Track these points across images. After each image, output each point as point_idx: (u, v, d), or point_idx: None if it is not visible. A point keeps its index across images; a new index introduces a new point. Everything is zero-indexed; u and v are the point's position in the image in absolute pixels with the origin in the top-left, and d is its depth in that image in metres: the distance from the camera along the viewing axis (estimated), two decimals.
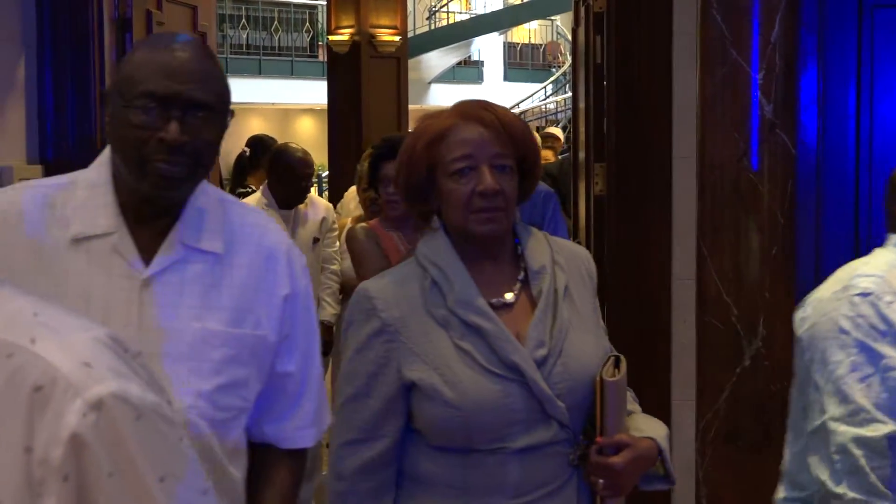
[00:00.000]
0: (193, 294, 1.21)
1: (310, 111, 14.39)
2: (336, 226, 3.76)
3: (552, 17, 14.53)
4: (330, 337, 3.62)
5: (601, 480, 1.28)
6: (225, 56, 12.57)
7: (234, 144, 5.11)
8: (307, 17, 14.27)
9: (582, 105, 3.76)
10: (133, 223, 1.19)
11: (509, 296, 1.33)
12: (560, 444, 1.27)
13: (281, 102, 14.23)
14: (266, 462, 1.33)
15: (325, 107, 6.83)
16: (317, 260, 3.64)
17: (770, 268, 2.58)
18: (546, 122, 11.60)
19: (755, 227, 2.58)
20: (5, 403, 0.65)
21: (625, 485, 1.29)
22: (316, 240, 3.64)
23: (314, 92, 11.73)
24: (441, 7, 15.32)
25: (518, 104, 13.11)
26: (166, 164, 1.13)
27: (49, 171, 2.90)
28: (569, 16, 4.80)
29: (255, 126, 12.25)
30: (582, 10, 3.55)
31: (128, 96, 1.14)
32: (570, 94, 6.01)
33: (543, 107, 13.34)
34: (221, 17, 12.54)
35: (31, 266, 1.16)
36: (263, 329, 1.24)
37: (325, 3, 7.84)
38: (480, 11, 15.14)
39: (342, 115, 6.31)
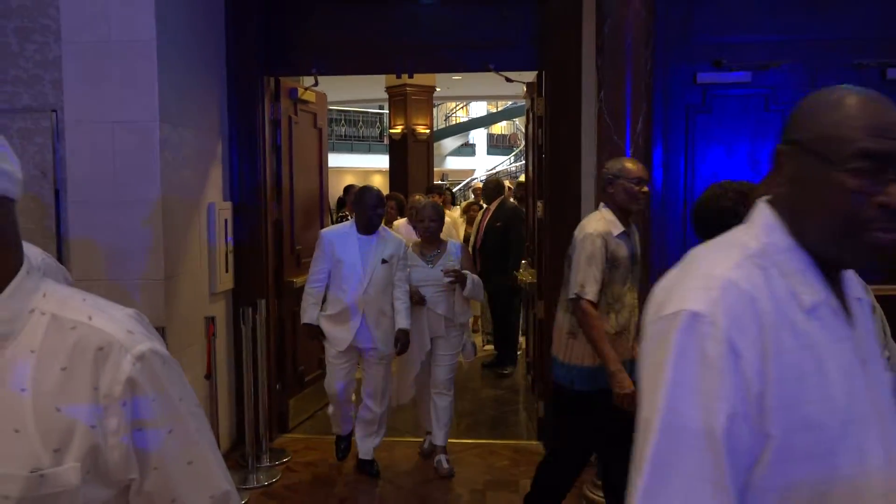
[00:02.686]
0: None
1: (379, 171, 21.62)
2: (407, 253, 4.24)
3: (514, 119, 22.69)
4: (407, 339, 4.11)
5: None
6: (332, 141, 19.63)
7: (336, 190, 7.23)
8: (378, 118, 22.40)
9: (531, 168, 5.33)
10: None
11: None
12: None
13: (362, 167, 22.27)
14: None
15: (388, 169, 10.26)
16: (384, 277, 4.08)
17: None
18: (510, 178, 17.89)
19: None
20: (77, 359, 0.91)
21: None
22: (384, 261, 4.06)
23: (381, 161, 17.94)
24: (452, 113, 24.65)
25: (495, 167, 22.73)
26: (885, 232, 0.94)
27: (234, 208, 4.57)
28: (524, 118, 6.75)
29: (349, 179, 19.41)
30: (531, 114, 5.15)
31: (836, 157, 0.95)
32: (523, 162, 7.84)
33: (509, 169, 22.28)
34: (330, 119, 18.73)
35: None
36: None
37: (387, 111, 10.96)
38: (474, 116, 23.92)
39: (397, 174, 9.46)
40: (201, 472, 1.00)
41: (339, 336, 4.13)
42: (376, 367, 4.22)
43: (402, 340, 4.13)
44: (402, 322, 4.11)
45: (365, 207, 4.12)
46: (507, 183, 8.12)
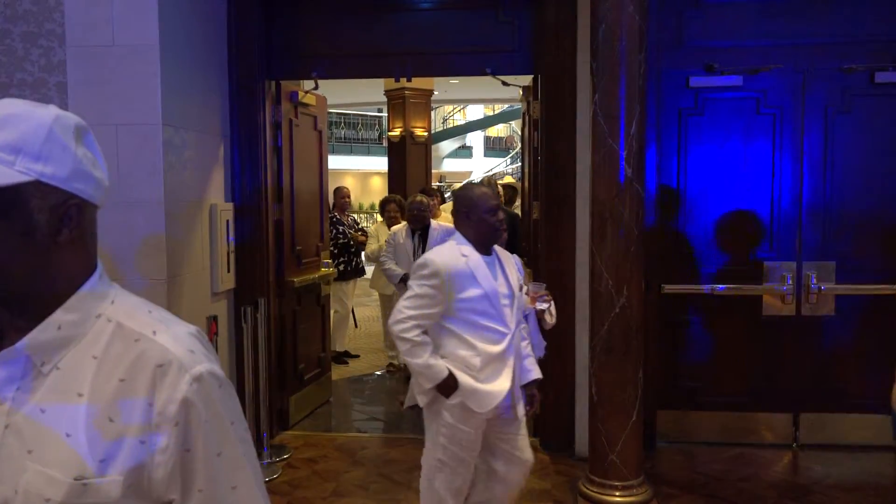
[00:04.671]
0: None
1: (378, 173, 22.62)
2: None
3: (511, 122, 22.93)
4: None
5: None
6: (332, 143, 20.64)
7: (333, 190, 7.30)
8: (377, 121, 23.11)
9: (527, 170, 5.34)
10: None
11: None
12: None
13: (362, 169, 23.29)
14: None
15: (387, 171, 10.39)
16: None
17: (628, 258, 3.55)
18: (491, 178, 18.37)
19: (621, 236, 3.54)
20: (136, 373, 0.91)
21: None
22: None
23: (380, 163, 18.75)
24: (450, 116, 25.01)
25: (491, 170, 22.29)
26: None
27: (236, 209, 4.62)
28: (520, 121, 6.65)
29: (348, 181, 20.99)
30: (527, 117, 5.19)
31: None
32: (520, 163, 7.62)
33: (505, 171, 21.78)
34: (330, 122, 19.89)
35: None
36: None
37: (386, 114, 10.98)
38: (471, 119, 24.31)
39: (396, 176, 9.50)
40: (244, 497, 0.97)
41: (488, 396, 2.85)
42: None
43: (537, 399, 3.15)
44: (536, 370, 3.08)
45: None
46: (509, 180, 8.19)
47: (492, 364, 2.83)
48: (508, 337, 2.84)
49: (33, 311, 0.93)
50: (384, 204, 6.91)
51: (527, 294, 3.17)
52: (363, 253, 6.59)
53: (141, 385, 0.91)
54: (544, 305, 3.21)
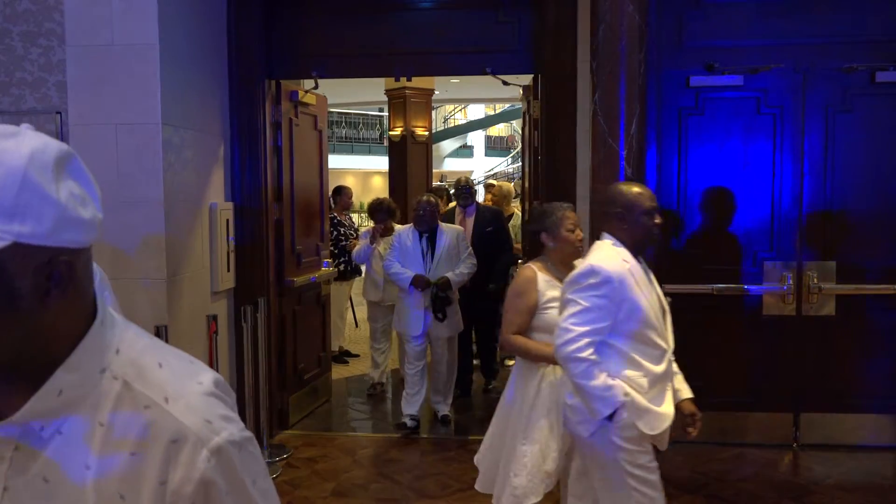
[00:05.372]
0: None
1: (379, 173, 22.54)
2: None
3: (511, 121, 22.74)
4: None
5: None
6: (333, 143, 20.51)
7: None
8: (378, 120, 23.02)
9: (527, 169, 5.38)
10: None
11: None
12: None
13: (363, 168, 23.30)
14: None
15: (388, 171, 10.34)
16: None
17: None
18: (507, 179, 18.76)
19: None
20: (147, 447, 0.81)
21: None
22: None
23: (381, 163, 18.29)
24: (451, 116, 24.85)
25: (492, 169, 23.33)
26: None
27: (236, 208, 4.62)
28: (521, 120, 6.59)
29: (349, 181, 19.82)
30: (527, 117, 5.21)
31: None
32: (520, 163, 7.63)
33: (506, 170, 22.69)
34: (331, 121, 20.73)
35: None
36: None
37: (387, 113, 10.94)
38: (472, 118, 24.27)
39: (396, 176, 9.41)
40: None
41: (660, 418, 2.61)
42: None
43: (698, 417, 2.91)
44: (686, 388, 2.95)
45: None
46: (496, 182, 8.20)
47: (657, 384, 2.56)
48: (668, 354, 2.60)
49: (30, 377, 0.82)
50: (375, 211, 6.09)
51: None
52: (352, 253, 6.21)
53: (153, 462, 0.82)
54: None
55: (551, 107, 4.49)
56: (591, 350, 2.46)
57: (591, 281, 2.48)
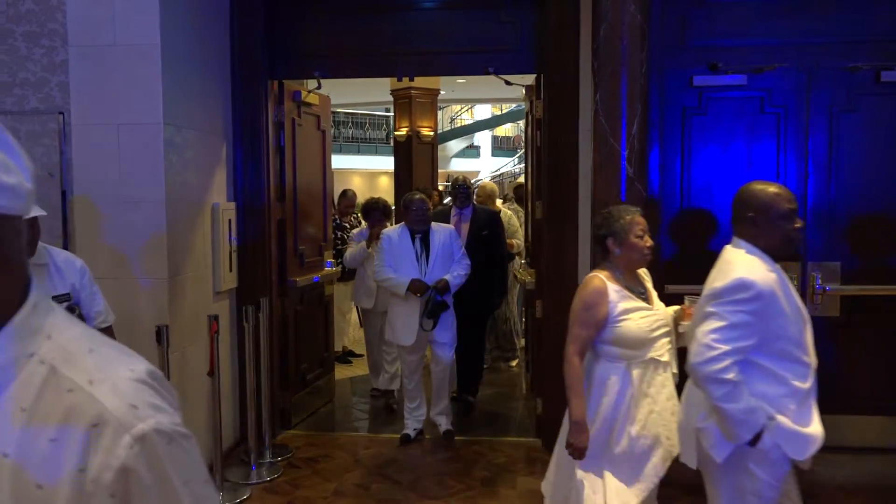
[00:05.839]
0: None
1: (385, 173, 22.55)
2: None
3: (518, 122, 22.55)
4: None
5: None
6: (339, 143, 21.44)
7: (340, 188, 7.29)
8: (385, 121, 22.94)
9: (530, 169, 5.35)
10: None
11: None
12: None
13: (369, 168, 23.42)
14: None
15: (393, 171, 10.32)
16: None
17: None
18: (514, 178, 18.66)
19: None
20: (67, 433, 0.76)
21: None
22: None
23: (388, 163, 18.16)
24: (457, 116, 25.18)
25: (499, 169, 23.03)
26: None
27: (238, 208, 4.64)
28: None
29: (356, 181, 21.50)
30: (530, 116, 5.19)
31: None
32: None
33: (513, 170, 22.07)
34: (337, 122, 21.50)
35: None
36: None
37: (392, 113, 10.83)
38: (479, 118, 24.63)
39: (402, 176, 9.47)
40: None
41: (809, 441, 2.45)
42: None
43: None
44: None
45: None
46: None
47: (804, 403, 2.36)
48: (813, 369, 2.39)
49: None
50: (369, 211, 5.79)
51: (684, 310, 2.84)
52: (344, 256, 5.86)
53: (72, 448, 0.77)
54: None
55: (554, 106, 4.48)
56: (735, 371, 2.26)
57: (741, 296, 2.27)
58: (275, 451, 4.60)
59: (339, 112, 21.44)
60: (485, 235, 5.38)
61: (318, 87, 5.23)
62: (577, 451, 2.69)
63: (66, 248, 3.99)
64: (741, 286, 2.27)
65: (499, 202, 7.32)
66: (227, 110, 4.66)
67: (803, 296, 4.40)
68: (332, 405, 5.74)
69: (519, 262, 6.39)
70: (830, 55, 4.26)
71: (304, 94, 5.15)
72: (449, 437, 4.84)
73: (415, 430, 4.88)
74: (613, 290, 2.75)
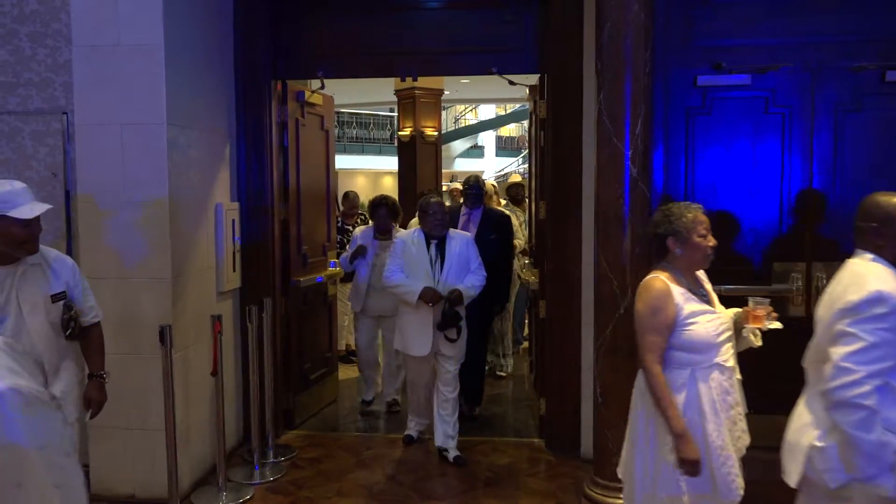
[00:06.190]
0: None
1: (389, 173, 22.40)
2: None
3: (522, 122, 22.93)
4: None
5: None
6: (343, 143, 21.42)
7: (344, 188, 7.28)
8: (389, 121, 23.11)
9: (534, 169, 5.32)
10: None
11: None
12: None
13: (373, 168, 23.38)
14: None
15: (397, 171, 10.31)
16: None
17: (633, 258, 3.59)
18: (505, 178, 19.28)
19: (626, 236, 3.60)
20: None
21: None
22: None
23: (392, 163, 17.87)
24: (461, 116, 25.09)
25: (503, 169, 23.18)
26: None
27: (242, 208, 4.64)
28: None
29: (360, 181, 21.89)
30: (533, 116, 5.17)
31: None
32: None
33: (517, 170, 21.93)
34: (341, 122, 21.80)
35: None
36: None
37: (396, 114, 10.86)
38: (483, 118, 24.54)
39: (406, 176, 9.40)
40: None
41: None
42: None
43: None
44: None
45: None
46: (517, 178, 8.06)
47: None
48: None
49: None
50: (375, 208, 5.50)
51: (748, 312, 2.70)
52: (341, 257, 5.67)
53: None
54: (776, 325, 2.73)
55: (557, 106, 4.47)
56: (875, 397, 2.10)
57: (878, 311, 2.13)
58: (278, 451, 4.60)
59: (343, 112, 21.45)
60: (492, 239, 5.16)
61: (322, 87, 5.24)
62: (691, 466, 2.48)
63: (69, 247, 4.01)
64: (878, 299, 2.15)
65: (501, 202, 7.28)
66: (231, 110, 4.67)
67: (808, 296, 4.38)
68: (335, 405, 5.74)
69: (520, 262, 6.37)
70: (835, 55, 4.23)
71: (307, 94, 5.15)
72: (460, 464, 4.44)
73: (418, 430, 4.87)
74: (678, 292, 2.60)
